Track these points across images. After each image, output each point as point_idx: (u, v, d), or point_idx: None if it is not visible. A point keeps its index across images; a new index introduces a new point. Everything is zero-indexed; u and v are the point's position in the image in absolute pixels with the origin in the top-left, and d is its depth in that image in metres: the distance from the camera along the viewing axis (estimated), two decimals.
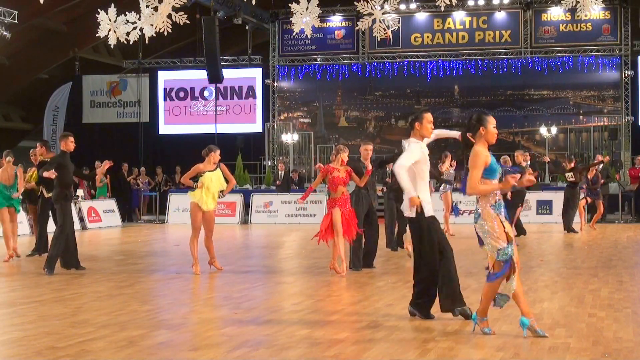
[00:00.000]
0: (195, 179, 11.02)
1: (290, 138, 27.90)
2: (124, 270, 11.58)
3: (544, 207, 21.01)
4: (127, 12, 11.32)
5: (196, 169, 11.03)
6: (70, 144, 11.64)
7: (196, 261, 10.96)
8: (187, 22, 11.18)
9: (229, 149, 27.59)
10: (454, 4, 11.08)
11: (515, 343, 6.25)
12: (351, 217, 10.59)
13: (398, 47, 27.80)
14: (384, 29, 11.06)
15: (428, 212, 7.14)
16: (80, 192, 21.93)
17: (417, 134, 7.30)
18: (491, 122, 6.60)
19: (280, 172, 24.77)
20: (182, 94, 30.46)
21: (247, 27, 28.60)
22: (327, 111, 29.27)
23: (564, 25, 27.06)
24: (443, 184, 17.13)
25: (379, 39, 13.63)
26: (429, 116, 7.31)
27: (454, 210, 16.88)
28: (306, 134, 28.40)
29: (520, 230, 16.85)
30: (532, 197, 21.73)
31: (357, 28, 12.42)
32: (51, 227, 13.79)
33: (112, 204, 23.01)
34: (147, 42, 13.81)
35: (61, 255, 11.44)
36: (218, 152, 11.14)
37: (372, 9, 10.99)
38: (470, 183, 6.44)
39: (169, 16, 10.88)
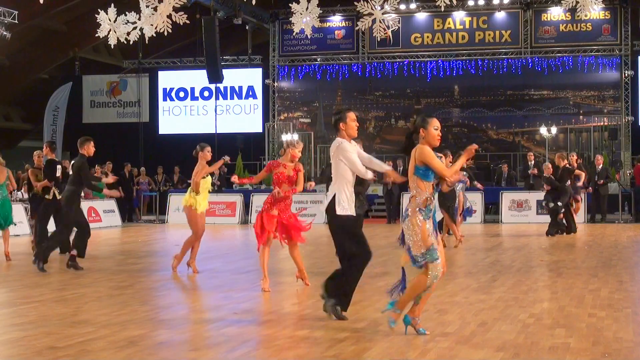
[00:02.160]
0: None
1: (290, 138, 27.89)
2: (124, 270, 11.57)
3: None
4: (127, 12, 11.32)
5: (207, 170, 10.92)
6: (91, 149, 11.74)
7: (193, 259, 11.04)
8: (187, 22, 11.18)
9: (229, 149, 27.64)
10: (454, 4, 11.09)
11: (515, 343, 6.25)
12: (294, 222, 9.50)
13: (398, 47, 27.80)
14: (384, 29, 11.06)
15: (347, 210, 7.21)
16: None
17: (343, 134, 7.38)
18: (432, 124, 6.48)
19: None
20: (182, 94, 30.47)
21: (247, 27, 28.61)
22: (327, 111, 29.25)
23: (564, 25, 27.05)
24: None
25: (379, 39, 13.64)
26: (352, 115, 7.36)
27: (466, 213, 15.78)
28: (306, 134, 28.39)
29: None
30: (532, 197, 21.75)
31: (357, 28, 12.43)
32: (50, 227, 13.83)
33: (112, 204, 22.99)
34: (147, 42, 13.83)
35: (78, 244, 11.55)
36: (208, 148, 11.02)
37: (372, 9, 10.99)
38: (447, 172, 6.44)
39: (169, 16, 10.88)
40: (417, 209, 6.45)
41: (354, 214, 7.30)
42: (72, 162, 12.21)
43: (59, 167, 13.63)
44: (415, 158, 6.45)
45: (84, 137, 12.09)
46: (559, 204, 16.81)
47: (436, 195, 6.54)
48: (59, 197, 13.44)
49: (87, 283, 10.19)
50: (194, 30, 26.14)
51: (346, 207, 7.22)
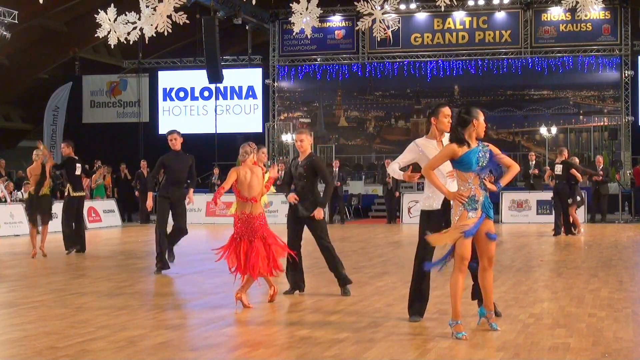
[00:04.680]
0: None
1: (290, 138, 27.91)
2: (124, 270, 11.57)
3: (544, 207, 21.02)
4: (127, 12, 11.32)
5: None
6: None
7: None
8: (187, 22, 11.17)
9: (229, 149, 27.65)
10: (454, 4, 11.08)
11: (515, 343, 6.25)
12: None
13: (398, 47, 27.82)
14: (384, 29, 11.06)
15: (424, 206, 7.11)
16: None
17: (433, 129, 7.13)
18: (482, 114, 6.58)
19: (280, 172, 24.77)
20: (182, 94, 30.47)
21: (247, 27, 28.62)
22: (327, 111, 29.28)
23: (564, 25, 27.07)
24: None
25: (379, 39, 13.63)
26: (446, 110, 7.05)
27: None
28: None
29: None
30: (532, 197, 21.75)
31: (357, 28, 12.42)
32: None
33: (112, 204, 23.00)
34: (147, 42, 13.83)
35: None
36: (264, 149, 9.84)
37: (372, 9, 10.98)
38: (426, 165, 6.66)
39: (169, 16, 10.87)
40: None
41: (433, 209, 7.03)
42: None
43: (78, 165, 13.79)
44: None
45: (170, 130, 11.91)
46: (578, 198, 16.98)
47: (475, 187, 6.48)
48: (73, 194, 13.58)
49: (87, 283, 10.19)
50: (194, 30, 26.15)
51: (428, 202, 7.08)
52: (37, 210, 13.40)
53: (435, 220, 6.93)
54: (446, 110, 7.06)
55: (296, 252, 8.81)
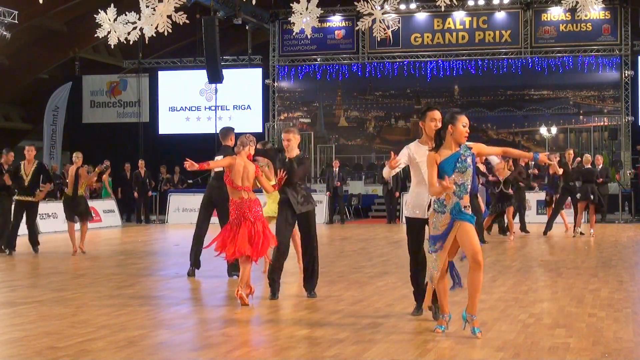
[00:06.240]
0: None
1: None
2: (124, 271, 11.57)
3: (544, 207, 20.99)
4: (127, 12, 11.32)
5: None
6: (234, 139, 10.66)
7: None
8: (187, 22, 11.17)
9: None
10: (454, 4, 11.09)
11: (515, 343, 6.25)
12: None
13: (398, 47, 27.80)
14: (384, 29, 11.06)
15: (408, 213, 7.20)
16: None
17: (423, 134, 7.08)
18: (461, 121, 6.48)
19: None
20: (182, 94, 30.45)
21: (247, 27, 28.62)
22: (327, 111, 29.27)
23: (564, 25, 27.07)
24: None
25: (379, 39, 13.64)
26: (431, 114, 7.01)
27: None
28: (306, 134, 28.36)
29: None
30: (532, 197, 21.74)
31: (357, 28, 12.43)
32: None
33: (112, 204, 22.99)
34: (147, 42, 13.82)
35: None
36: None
37: (372, 9, 10.99)
38: (431, 185, 6.50)
39: (169, 16, 10.88)
40: (433, 200, 6.55)
41: (414, 216, 7.12)
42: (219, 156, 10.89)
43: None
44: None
45: (226, 127, 11.21)
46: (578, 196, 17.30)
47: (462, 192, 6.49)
48: (18, 197, 14.23)
49: (87, 283, 10.19)
50: (194, 30, 26.14)
51: (409, 209, 7.18)
52: (76, 210, 14.05)
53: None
54: (433, 114, 6.95)
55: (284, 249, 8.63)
